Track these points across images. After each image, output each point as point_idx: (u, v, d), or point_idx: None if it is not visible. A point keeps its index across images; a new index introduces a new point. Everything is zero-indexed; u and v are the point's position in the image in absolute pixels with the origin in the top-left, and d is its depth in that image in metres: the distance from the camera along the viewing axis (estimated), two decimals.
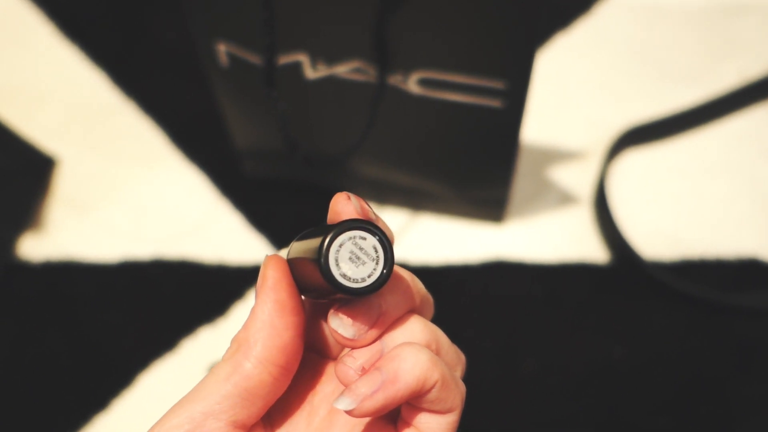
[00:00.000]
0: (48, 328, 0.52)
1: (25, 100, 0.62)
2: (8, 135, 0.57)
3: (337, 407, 0.25)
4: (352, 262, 0.24)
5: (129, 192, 0.57)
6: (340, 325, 0.26)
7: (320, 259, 0.24)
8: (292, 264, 0.27)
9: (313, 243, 0.25)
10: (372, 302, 0.26)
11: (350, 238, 0.24)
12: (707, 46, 0.62)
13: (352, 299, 0.26)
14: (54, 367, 0.51)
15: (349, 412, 0.25)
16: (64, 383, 0.50)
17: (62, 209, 0.57)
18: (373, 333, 0.26)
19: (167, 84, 0.62)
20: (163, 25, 0.65)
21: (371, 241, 0.25)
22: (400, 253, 0.54)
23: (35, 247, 0.55)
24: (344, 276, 0.24)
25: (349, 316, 0.26)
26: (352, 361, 0.26)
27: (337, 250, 0.24)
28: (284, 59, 0.44)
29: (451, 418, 0.26)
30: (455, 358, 0.28)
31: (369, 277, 0.24)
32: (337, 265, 0.24)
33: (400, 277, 0.27)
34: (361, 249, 0.24)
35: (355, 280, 0.24)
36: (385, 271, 0.25)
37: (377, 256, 0.25)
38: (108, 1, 0.66)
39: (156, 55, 0.64)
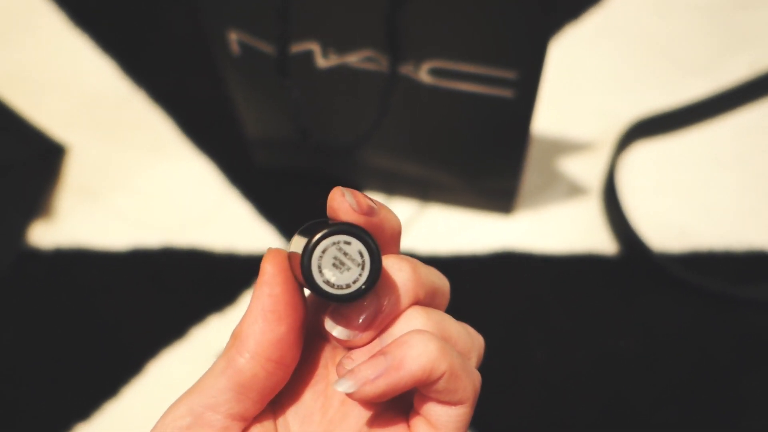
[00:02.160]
0: (58, 315, 0.53)
1: (36, 88, 0.62)
2: (19, 122, 0.57)
3: (337, 389, 0.24)
4: (335, 267, 0.24)
5: (139, 180, 0.57)
6: (333, 327, 0.25)
7: (302, 265, 0.23)
8: (291, 258, 0.26)
9: (303, 243, 0.24)
10: (365, 304, 0.25)
11: (334, 243, 0.23)
12: (718, 38, 0.62)
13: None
14: (64, 354, 0.51)
15: (349, 395, 0.24)
16: (75, 370, 0.51)
17: (72, 197, 0.57)
18: (369, 334, 0.26)
19: (177, 73, 0.62)
20: (174, 15, 0.65)
21: (356, 246, 0.24)
22: (410, 244, 0.54)
23: (46, 234, 0.55)
24: (327, 282, 0.24)
25: (342, 317, 0.25)
26: (350, 363, 0.25)
27: (320, 256, 0.23)
28: (295, 48, 0.44)
29: (462, 410, 0.25)
30: (468, 344, 0.27)
31: (354, 282, 0.24)
32: (320, 271, 0.24)
33: (394, 274, 0.26)
34: (345, 254, 0.24)
35: (339, 287, 0.24)
36: (370, 276, 0.24)
37: (363, 261, 0.24)
38: None
39: (166, 44, 0.64)
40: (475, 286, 0.52)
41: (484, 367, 0.50)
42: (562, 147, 0.57)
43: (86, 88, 0.62)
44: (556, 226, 0.54)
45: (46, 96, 0.62)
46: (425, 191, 0.55)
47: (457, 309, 0.53)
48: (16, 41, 0.64)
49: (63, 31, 0.64)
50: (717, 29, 0.62)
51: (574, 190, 0.56)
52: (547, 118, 0.58)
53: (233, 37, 0.45)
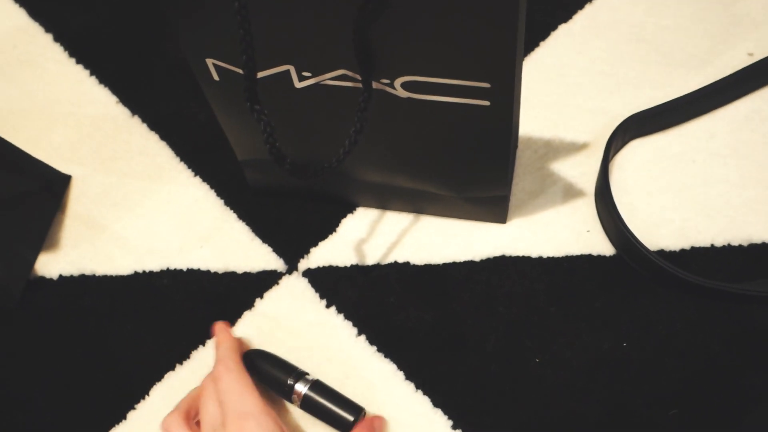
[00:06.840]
0: (65, 341, 0.54)
1: (38, 121, 0.64)
2: (26, 157, 0.58)
3: None
4: None
5: (138, 206, 0.59)
6: None
7: None
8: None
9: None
10: None
11: None
12: (713, 28, 0.61)
13: None
14: (73, 379, 0.52)
15: None
16: (83, 394, 0.52)
17: (75, 225, 0.58)
18: None
19: (172, 101, 0.63)
20: (167, 44, 0.66)
21: None
22: (404, 256, 0.54)
23: (51, 262, 0.57)
24: None
25: None
26: None
27: None
28: (272, 70, 0.44)
29: None
30: None
31: None
32: None
33: None
34: None
35: None
36: None
37: None
38: (113, 24, 0.68)
39: (160, 73, 0.65)
40: (472, 292, 0.52)
41: (482, 372, 0.50)
42: (556, 150, 0.57)
43: (85, 120, 0.63)
44: (552, 230, 0.54)
45: (48, 129, 0.63)
46: (419, 204, 0.55)
47: (454, 315, 0.53)
48: (15, 76, 0.66)
49: (61, 64, 0.66)
50: (710, 21, 0.61)
51: (569, 192, 0.55)
52: (539, 121, 0.58)
53: (211, 63, 0.45)
